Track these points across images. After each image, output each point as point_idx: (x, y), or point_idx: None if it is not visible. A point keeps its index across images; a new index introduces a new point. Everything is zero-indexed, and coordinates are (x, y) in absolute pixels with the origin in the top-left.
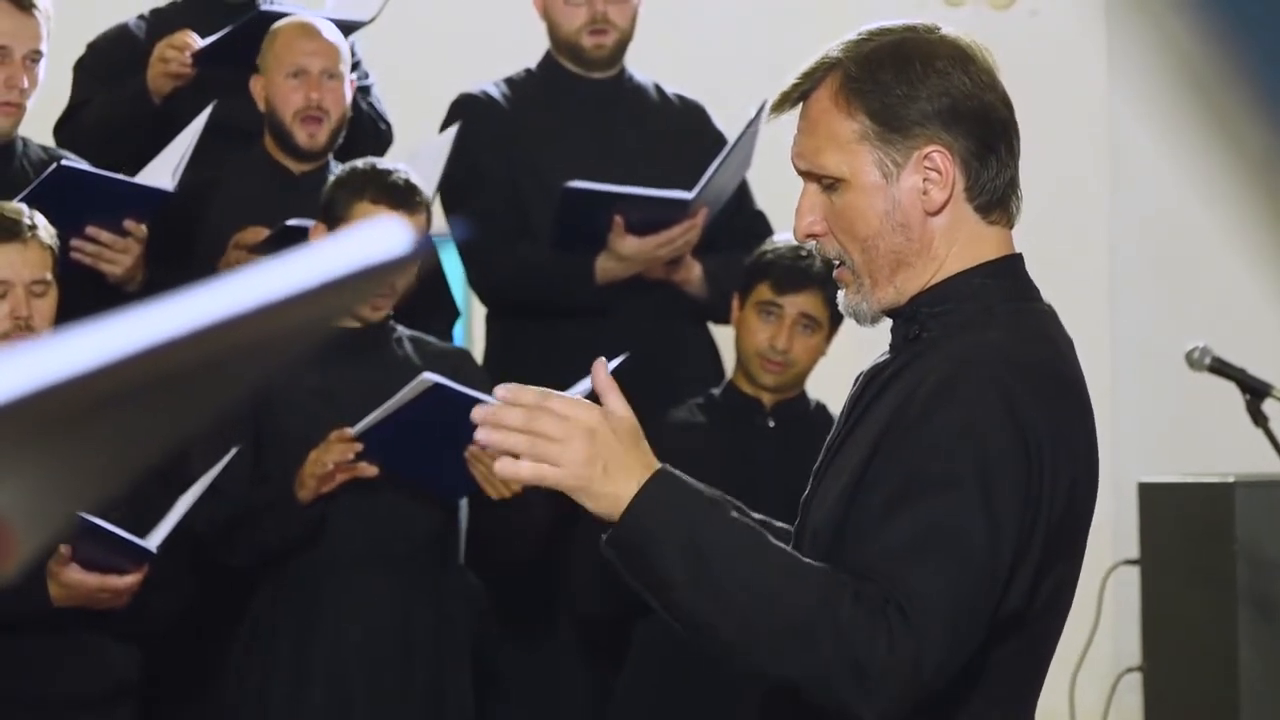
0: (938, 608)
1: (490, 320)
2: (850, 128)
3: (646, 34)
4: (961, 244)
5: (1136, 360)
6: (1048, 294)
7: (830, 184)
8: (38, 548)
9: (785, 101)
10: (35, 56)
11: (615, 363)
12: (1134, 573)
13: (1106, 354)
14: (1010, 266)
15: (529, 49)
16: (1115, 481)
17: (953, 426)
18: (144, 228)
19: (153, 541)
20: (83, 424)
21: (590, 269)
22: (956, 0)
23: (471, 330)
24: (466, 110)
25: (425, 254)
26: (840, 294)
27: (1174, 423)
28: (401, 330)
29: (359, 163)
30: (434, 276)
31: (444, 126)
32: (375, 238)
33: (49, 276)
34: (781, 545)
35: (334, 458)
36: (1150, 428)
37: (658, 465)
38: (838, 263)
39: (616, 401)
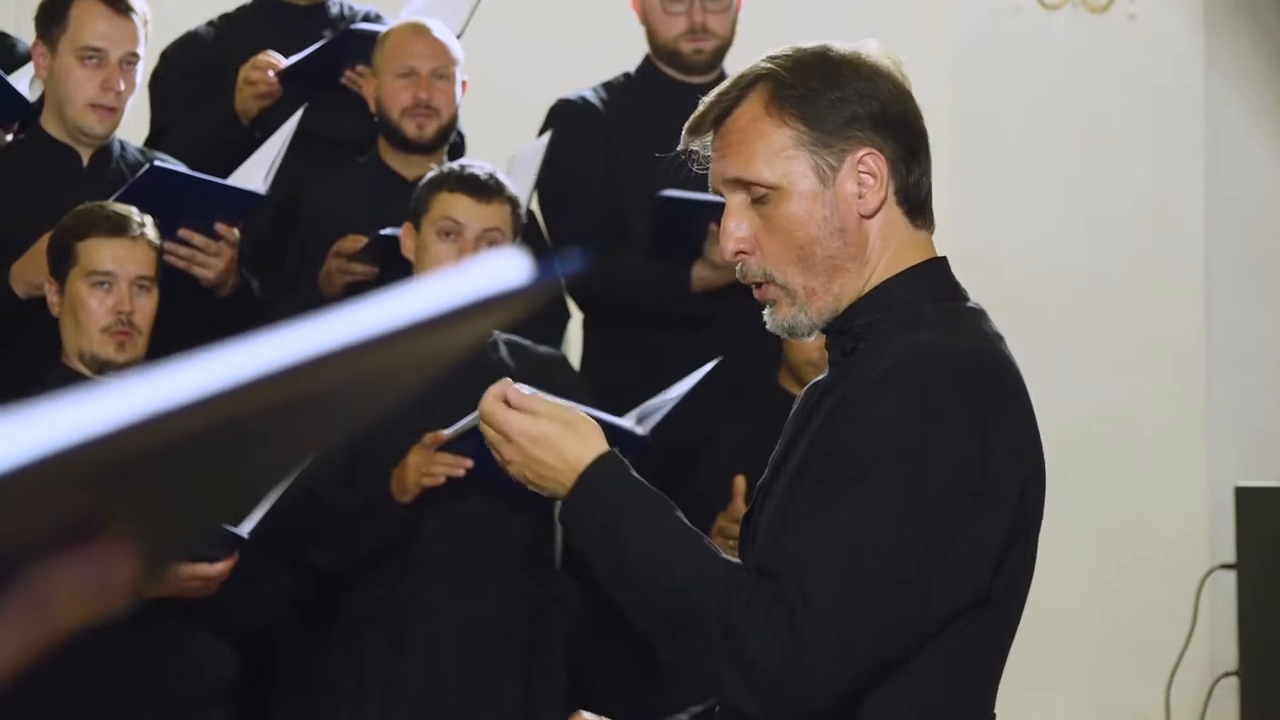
0: (830, 610)
1: (587, 326)
2: (785, 134)
3: (749, 36)
4: (893, 249)
5: (1233, 364)
6: (1144, 295)
7: (762, 195)
8: (157, 574)
9: (705, 120)
10: (132, 59)
11: (707, 368)
12: (1230, 577)
13: (1203, 357)
14: (936, 268)
15: (628, 54)
16: (1212, 486)
17: (879, 428)
18: (236, 231)
19: (244, 529)
20: (208, 448)
21: (686, 277)
22: (1053, 4)
23: (568, 335)
24: (564, 116)
25: (549, 283)
26: (767, 313)
27: (1271, 426)
28: (498, 335)
29: (448, 164)
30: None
31: (542, 132)
32: (498, 267)
33: (153, 275)
34: (702, 538)
35: (442, 470)
36: (1247, 432)
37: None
38: (760, 283)
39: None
